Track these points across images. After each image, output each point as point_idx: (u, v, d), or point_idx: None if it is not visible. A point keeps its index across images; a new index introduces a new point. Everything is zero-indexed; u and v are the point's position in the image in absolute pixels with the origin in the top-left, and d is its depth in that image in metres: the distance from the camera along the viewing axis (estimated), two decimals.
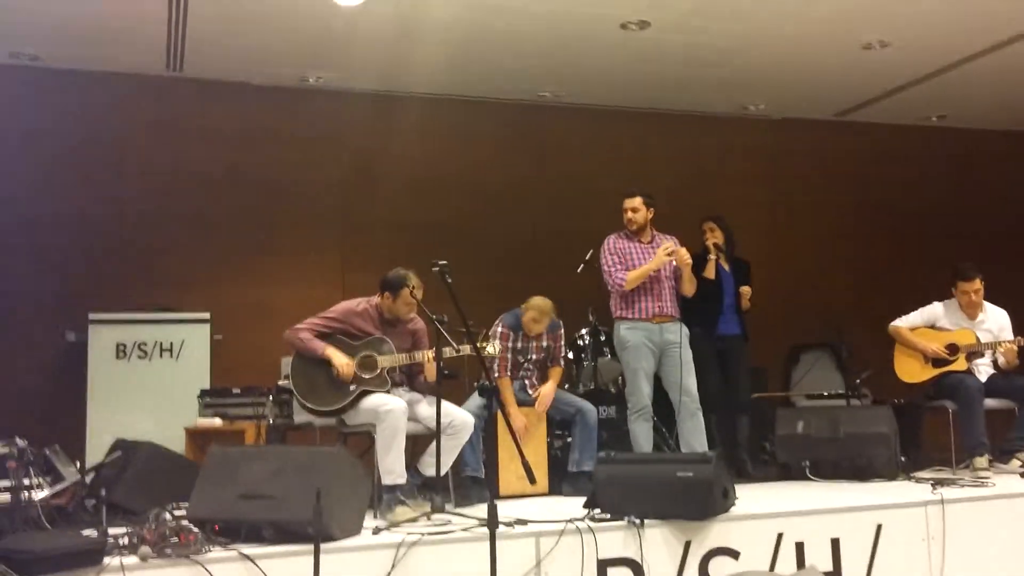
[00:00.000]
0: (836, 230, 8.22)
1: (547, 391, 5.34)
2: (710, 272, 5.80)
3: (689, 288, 5.34)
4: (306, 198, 7.10)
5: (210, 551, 3.45)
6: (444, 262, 4.07)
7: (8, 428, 4.17)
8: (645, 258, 5.28)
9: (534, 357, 5.47)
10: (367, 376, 4.63)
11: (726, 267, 5.94)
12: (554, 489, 5.22)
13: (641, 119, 7.87)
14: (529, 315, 5.35)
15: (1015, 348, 5.58)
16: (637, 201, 5.36)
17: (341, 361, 4.58)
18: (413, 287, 4.65)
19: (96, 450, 5.49)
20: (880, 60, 6.82)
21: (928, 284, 6.07)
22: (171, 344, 6.21)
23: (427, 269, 4.31)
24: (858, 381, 6.46)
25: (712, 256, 5.80)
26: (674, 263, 5.27)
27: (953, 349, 5.68)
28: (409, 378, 4.88)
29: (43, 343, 6.31)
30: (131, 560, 3.35)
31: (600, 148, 7.70)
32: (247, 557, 3.45)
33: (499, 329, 5.38)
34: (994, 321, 5.81)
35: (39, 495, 3.84)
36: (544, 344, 5.48)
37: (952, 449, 5.49)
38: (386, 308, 4.78)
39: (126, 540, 3.43)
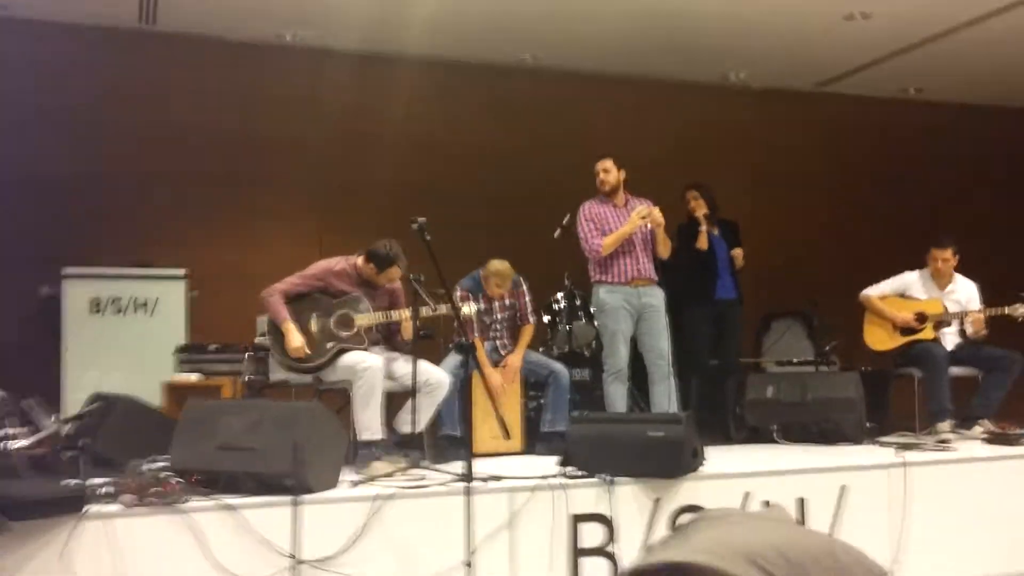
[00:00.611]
0: (814, 200, 8.30)
1: (513, 360, 5.41)
2: (703, 243, 5.91)
3: (664, 250, 5.40)
4: (284, 158, 7.05)
5: (190, 500, 3.51)
6: (423, 219, 4.09)
7: None
8: (620, 222, 5.34)
9: (499, 316, 5.52)
10: (344, 334, 4.66)
11: (715, 231, 6.03)
12: (528, 449, 5.30)
13: (622, 85, 7.87)
14: (491, 281, 5.40)
15: (982, 317, 5.70)
16: (608, 162, 5.42)
17: (294, 345, 4.61)
18: (401, 265, 4.68)
19: (73, 404, 5.50)
20: (861, 31, 6.86)
21: (902, 255, 6.17)
22: (146, 300, 6.19)
23: (403, 230, 4.33)
24: (827, 348, 6.58)
25: (702, 228, 5.89)
26: (648, 226, 5.32)
27: (921, 318, 5.80)
28: (386, 337, 4.93)
29: (17, 297, 6.27)
30: (111, 508, 3.40)
31: (580, 114, 7.70)
32: (228, 506, 3.51)
33: (458, 293, 5.42)
34: (963, 292, 5.93)
35: (17, 445, 3.86)
36: (508, 302, 5.53)
37: (917, 415, 5.63)
38: (366, 273, 4.81)
39: (107, 489, 3.48)
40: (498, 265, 5.40)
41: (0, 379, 4.34)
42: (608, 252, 5.28)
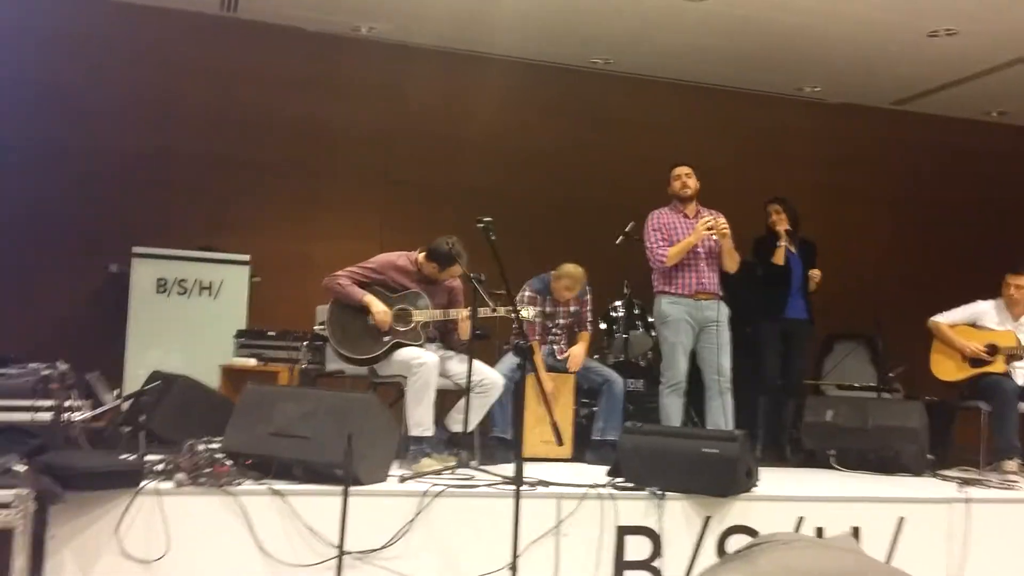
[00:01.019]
0: (884, 220, 8.11)
1: (578, 351, 5.37)
2: (779, 258, 5.83)
3: (731, 263, 5.31)
4: (351, 151, 7.12)
5: (242, 483, 3.55)
6: (489, 219, 4.07)
7: (51, 353, 4.29)
8: (688, 233, 5.26)
9: (562, 322, 5.49)
10: (401, 329, 4.67)
11: (793, 250, 5.93)
12: (578, 456, 5.25)
13: (692, 93, 7.79)
14: (562, 283, 5.37)
15: None
16: (688, 169, 5.37)
17: (379, 308, 4.63)
18: (461, 268, 4.67)
19: (134, 380, 5.62)
20: (945, 49, 6.67)
21: (975, 283, 5.97)
22: (210, 283, 6.29)
23: (465, 229, 4.31)
24: (891, 375, 6.41)
25: (781, 243, 5.80)
26: (714, 237, 5.24)
27: (992, 350, 5.61)
28: (443, 334, 4.92)
29: (87, 273, 6.43)
30: (166, 485, 3.46)
31: (648, 120, 7.63)
32: (278, 492, 3.54)
33: (526, 293, 5.41)
34: None
35: (79, 417, 3.94)
36: (572, 309, 5.50)
37: (981, 451, 5.45)
38: (427, 270, 4.81)
39: (161, 466, 3.53)
40: (571, 268, 5.38)
41: (66, 352, 4.44)
42: (672, 263, 5.21)
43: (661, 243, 5.26)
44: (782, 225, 5.93)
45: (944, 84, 7.50)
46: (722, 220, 5.22)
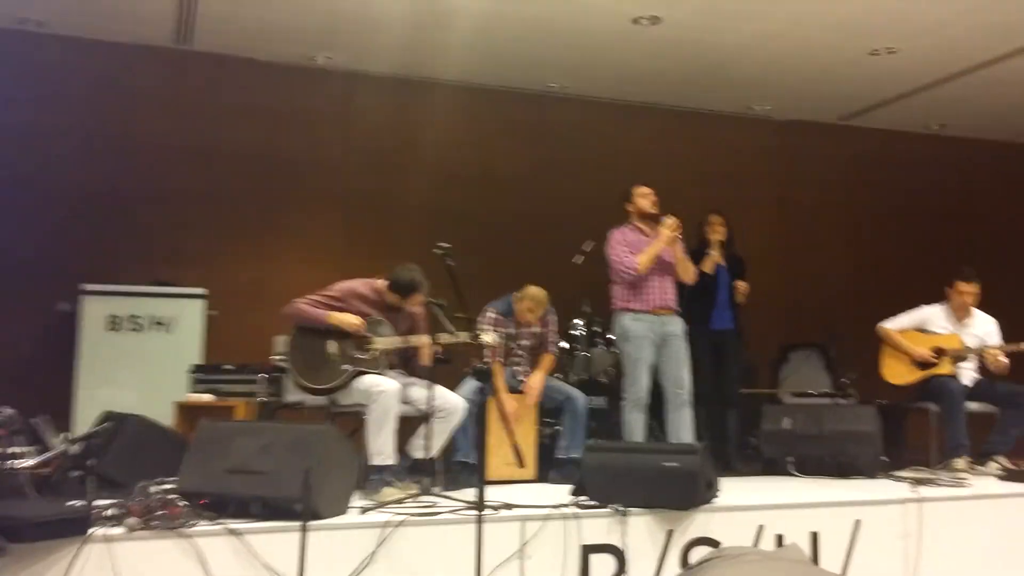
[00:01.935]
0: (834, 233, 8.26)
1: (534, 383, 5.36)
2: (708, 267, 5.88)
3: (686, 273, 5.36)
4: (309, 179, 7.09)
5: (196, 525, 3.48)
6: (448, 245, 4.08)
7: None
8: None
9: (526, 343, 5.50)
10: (362, 357, 4.65)
11: (722, 262, 6.00)
12: (541, 476, 5.25)
13: (646, 114, 7.89)
14: (524, 304, 5.39)
15: (997, 353, 5.65)
16: (649, 189, 5.43)
17: (350, 320, 4.60)
18: (424, 297, 4.67)
19: (84, 421, 5.49)
20: (886, 66, 6.85)
21: (922, 289, 6.11)
22: (164, 318, 6.21)
23: (425, 253, 4.32)
24: (845, 381, 6.51)
25: (713, 252, 5.87)
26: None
27: (939, 352, 5.74)
28: (404, 361, 4.91)
29: (34, 311, 6.29)
30: (117, 531, 3.37)
31: (603, 142, 7.71)
32: (234, 532, 3.48)
33: (489, 314, 5.41)
34: (981, 327, 5.89)
35: (24, 464, 3.84)
36: (536, 330, 5.52)
37: (932, 450, 5.56)
38: (389, 298, 4.80)
39: (112, 511, 3.45)
40: (534, 291, 5.39)
41: (13, 395, 4.34)
42: (645, 270, 5.25)
43: (630, 255, 5.30)
44: (716, 235, 5.99)
45: (887, 100, 7.69)
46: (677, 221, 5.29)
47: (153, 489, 3.53)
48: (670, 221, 5.29)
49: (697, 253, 6.03)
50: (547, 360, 5.52)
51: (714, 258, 5.91)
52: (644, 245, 5.35)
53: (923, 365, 5.77)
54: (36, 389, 5.71)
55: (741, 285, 6.06)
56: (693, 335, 5.65)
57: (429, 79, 7.26)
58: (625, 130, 7.78)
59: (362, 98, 7.21)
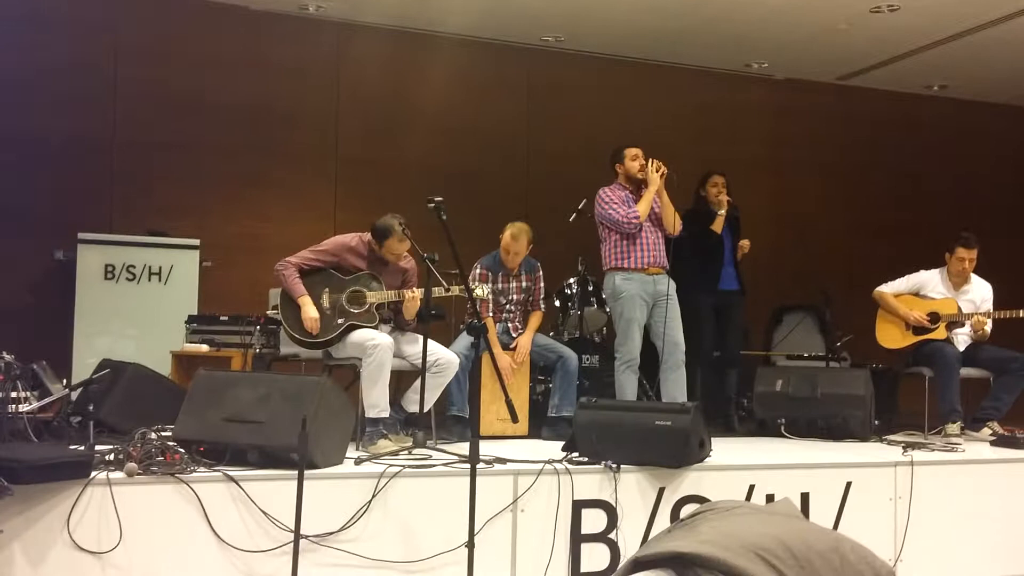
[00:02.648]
0: (832, 194, 8.24)
1: (523, 343, 5.37)
2: (718, 226, 5.90)
3: (671, 221, 5.33)
4: (300, 131, 7.04)
5: (195, 471, 3.51)
6: (440, 199, 4.06)
7: None
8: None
9: (515, 298, 5.51)
10: (355, 311, 4.66)
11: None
12: (534, 433, 5.29)
13: (641, 70, 7.82)
14: (508, 232, 5.37)
15: (984, 320, 5.67)
16: (639, 151, 5.40)
17: (309, 315, 4.62)
18: (398, 238, 4.67)
19: (82, 369, 5.53)
20: (887, 24, 6.78)
21: (920, 253, 6.12)
22: (160, 268, 6.20)
23: (419, 208, 4.31)
24: (838, 344, 6.55)
25: (722, 212, 5.88)
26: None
27: (934, 318, 5.76)
28: (396, 315, 4.92)
29: (31, 261, 6.29)
30: (117, 475, 3.41)
31: (599, 98, 7.65)
32: (231, 479, 3.51)
33: (477, 271, 5.41)
34: (978, 292, 5.89)
35: (25, 408, 3.87)
36: (524, 285, 5.52)
37: (926, 415, 5.60)
38: (377, 250, 4.80)
39: (112, 456, 3.49)
40: (517, 222, 5.38)
41: (11, 342, 4.35)
42: (645, 217, 5.26)
43: (624, 207, 5.28)
44: (723, 195, 6.00)
45: (886, 59, 7.62)
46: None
47: (152, 436, 3.55)
48: (656, 164, 5.28)
49: (695, 213, 6.03)
50: (535, 318, 5.53)
51: (722, 218, 5.93)
52: (633, 202, 5.34)
53: (918, 330, 5.79)
54: (35, 338, 5.72)
55: (744, 243, 6.10)
56: (698, 296, 5.69)
57: (424, 31, 7.17)
58: (621, 86, 7.72)
59: (355, 49, 7.14)
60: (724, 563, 1.23)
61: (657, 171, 5.25)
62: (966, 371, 5.65)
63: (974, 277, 5.91)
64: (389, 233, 4.68)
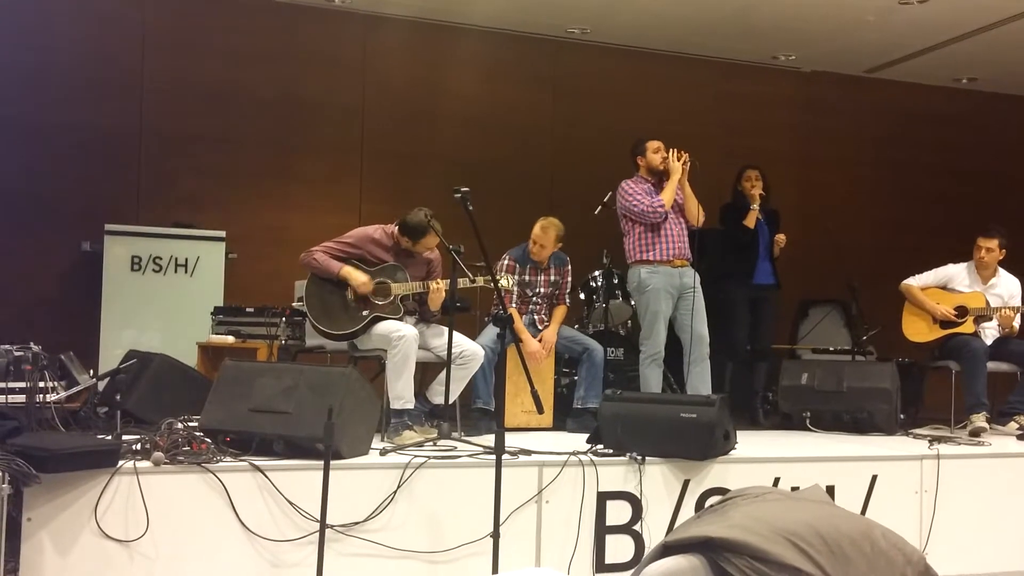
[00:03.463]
0: (858, 187, 8.17)
1: (549, 335, 5.36)
2: (751, 221, 5.89)
3: (694, 212, 5.33)
4: (326, 124, 7.05)
5: (221, 460, 3.54)
6: (466, 189, 4.06)
7: (23, 334, 4.24)
8: None
9: (542, 291, 5.50)
10: (380, 302, 4.67)
11: (761, 217, 5.99)
12: (558, 425, 5.29)
13: (668, 62, 7.77)
14: (539, 224, 5.35)
15: (1012, 314, 5.61)
16: (660, 144, 5.39)
17: (358, 279, 4.61)
18: (433, 235, 4.64)
19: (109, 360, 5.59)
20: (915, 17, 6.69)
21: (947, 246, 6.06)
22: (186, 260, 6.24)
23: (443, 200, 4.31)
24: (864, 338, 6.50)
25: (755, 206, 5.86)
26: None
27: (962, 312, 5.70)
28: (421, 306, 4.92)
29: (59, 251, 6.35)
30: (144, 464, 3.44)
31: (625, 90, 7.62)
32: (257, 468, 3.54)
33: (505, 262, 5.41)
34: (1005, 287, 5.83)
35: (53, 398, 3.91)
36: (552, 278, 5.51)
37: (952, 409, 5.55)
38: (403, 242, 4.79)
39: (139, 446, 3.52)
40: (543, 220, 5.37)
41: (38, 333, 4.40)
42: (669, 206, 5.25)
43: (648, 197, 5.27)
44: (756, 190, 5.99)
45: (915, 52, 7.53)
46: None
47: (179, 426, 3.58)
48: (677, 152, 5.26)
49: (732, 207, 6.00)
50: (560, 312, 5.52)
51: (755, 212, 5.90)
52: (656, 194, 5.33)
53: (945, 323, 5.73)
54: (62, 329, 5.80)
55: (780, 238, 6.06)
56: (732, 289, 5.67)
57: (449, 23, 7.16)
58: (647, 79, 7.68)
59: (381, 42, 7.14)
60: (754, 548, 1.22)
61: (679, 159, 5.23)
62: (993, 365, 5.60)
63: (1002, 271, 5.85)
64: (426, 231, 4.64)
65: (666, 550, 1.27)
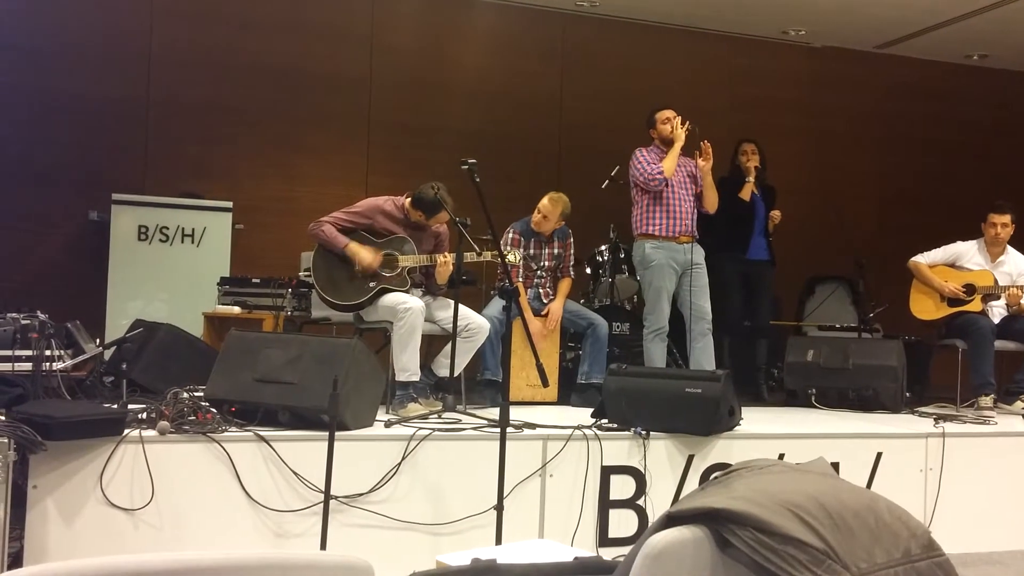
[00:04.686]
0: (867, 164, 8.11)
1: (555, 308, 5.36)
2: (746, 194, 5.87)
3: (711, 201, 5.32)
4: (333, 94, 7.02)
5: (226, 430, 3.55)
6: (473, 160, 4.03)
7: (30, 302, 4.24)
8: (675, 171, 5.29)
9: (546, 264, 5.49)
10: (387, 274, 4.66)
11: (757, 191, 5.96)
12: (563, 400, 5.29)
13: (677, 36, 7.71)
14: (547, 197, 5.33)
15: (1020, 293, 5.58)
16: (673, 112, 5.35)
17: (364, 257, 4.61)
18: (447, 215, 4.62)
19: (115, 329, 5.61)
20: None
21: (956, 224, 6.02)
22: (193, 230, 6.24)
23: (450, 172, 4.28)
24: (871, 315, 6.48)
25: (750, 179, 5.82)
26: (698, 171, 5.28)
27: (970, 290, 5.67)
28: (428, 279, 4.92)
29: (66, 221, 6.36)
30: (149, 433, 3.45)
31: (633, 63, 7.56)
32: (262, 439, 3.55)
33: (510, 235, 5.40)
34: (1014, 265, 5.79)
35: (60, 366, 3.92)
36: (556, 251, 5.50)
37: (958, 387, 5.54)
38: (413, 215, 4.77)
39: (144, 415, 3.53)
40: (553, 194, 5.34)
41: (46, 301, 4.41)
42: (671, 174, 5.22)
43: (650, 166, 5.24)
44: (752, 163, 5.95)
45: (926, 28, 7.45)
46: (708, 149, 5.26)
47: (184, 395, 3.59)
48: (686, 124, 5.24)
49: (729, 181, 5.97)
50: (565, 285, 5.51)
51: (750, 185, 5.86)
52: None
53: (953, 301, 5.71)
54: (69, 297, 5.81)
55: (776, 214, 6.04)
56: (725, 263, 5.65)
57: None
58: (656, 52, 7.62)
59: (390, 13, 7.09)
60: (758, 519, 1.22)
61: (684, 130, 5.21)
62: (1000, 344, 5.57)
63: (1011, 250, 5.81)
64: (439, 208, 4.62)
65: (670, 520, 1.27)
